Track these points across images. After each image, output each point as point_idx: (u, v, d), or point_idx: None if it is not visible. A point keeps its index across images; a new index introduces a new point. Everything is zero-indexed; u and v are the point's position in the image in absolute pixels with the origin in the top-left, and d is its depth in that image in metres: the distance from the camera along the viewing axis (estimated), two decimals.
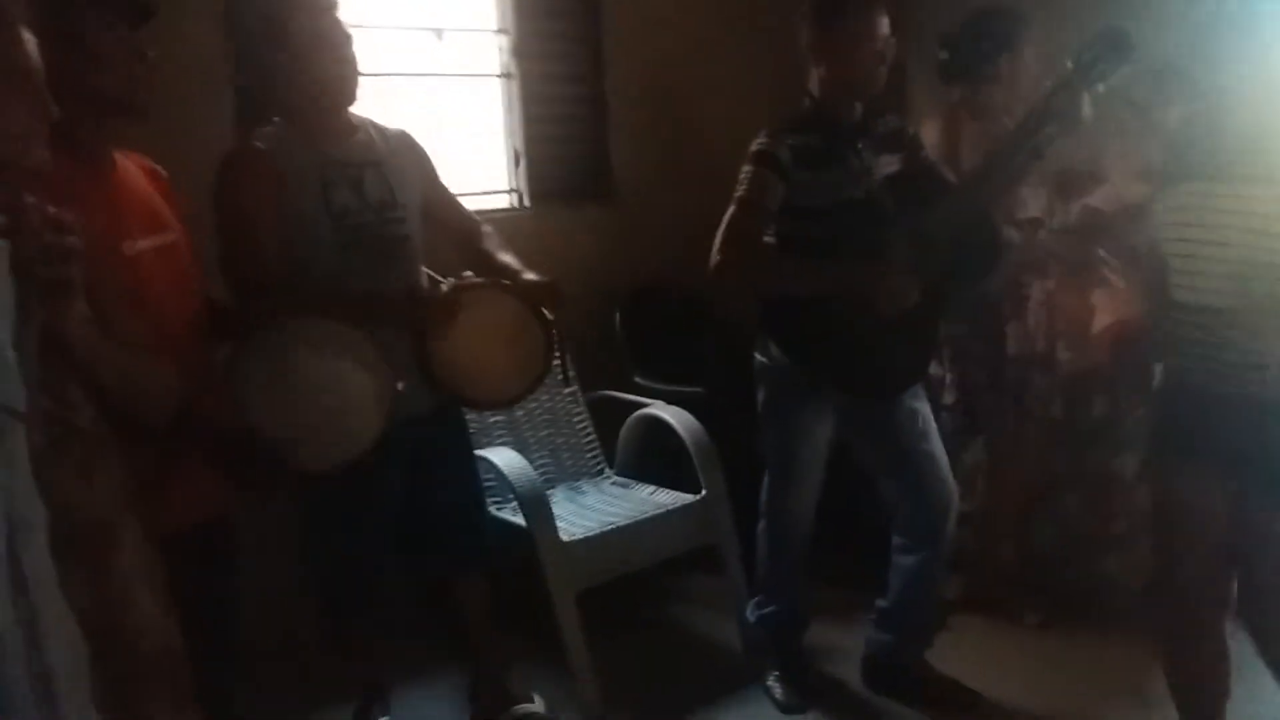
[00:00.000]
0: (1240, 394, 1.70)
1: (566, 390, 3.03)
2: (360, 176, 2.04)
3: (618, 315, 3.35)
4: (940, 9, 2.78)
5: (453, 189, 2.31)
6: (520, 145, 3.39)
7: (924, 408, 2.37)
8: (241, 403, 1.69)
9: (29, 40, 1.12)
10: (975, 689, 2.46)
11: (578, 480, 3.01)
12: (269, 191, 1.94)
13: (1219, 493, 1.77)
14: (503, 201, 3.41)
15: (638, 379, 3.22)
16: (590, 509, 2.79)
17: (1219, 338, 1.72)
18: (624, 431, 3.04)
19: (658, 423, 2.88)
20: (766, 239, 2.25)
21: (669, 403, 2.91)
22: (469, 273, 2.12)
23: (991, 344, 2.75)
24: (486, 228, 2.30)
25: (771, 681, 2.55)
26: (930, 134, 2.63)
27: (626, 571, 2.59)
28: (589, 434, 3.07)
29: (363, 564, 2.14)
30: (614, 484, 2.99)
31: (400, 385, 1.84)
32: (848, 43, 2.18)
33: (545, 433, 3.01)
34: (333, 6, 1.99)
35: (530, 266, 2.17)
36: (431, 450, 2.16)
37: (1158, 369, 1.92)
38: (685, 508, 2.72)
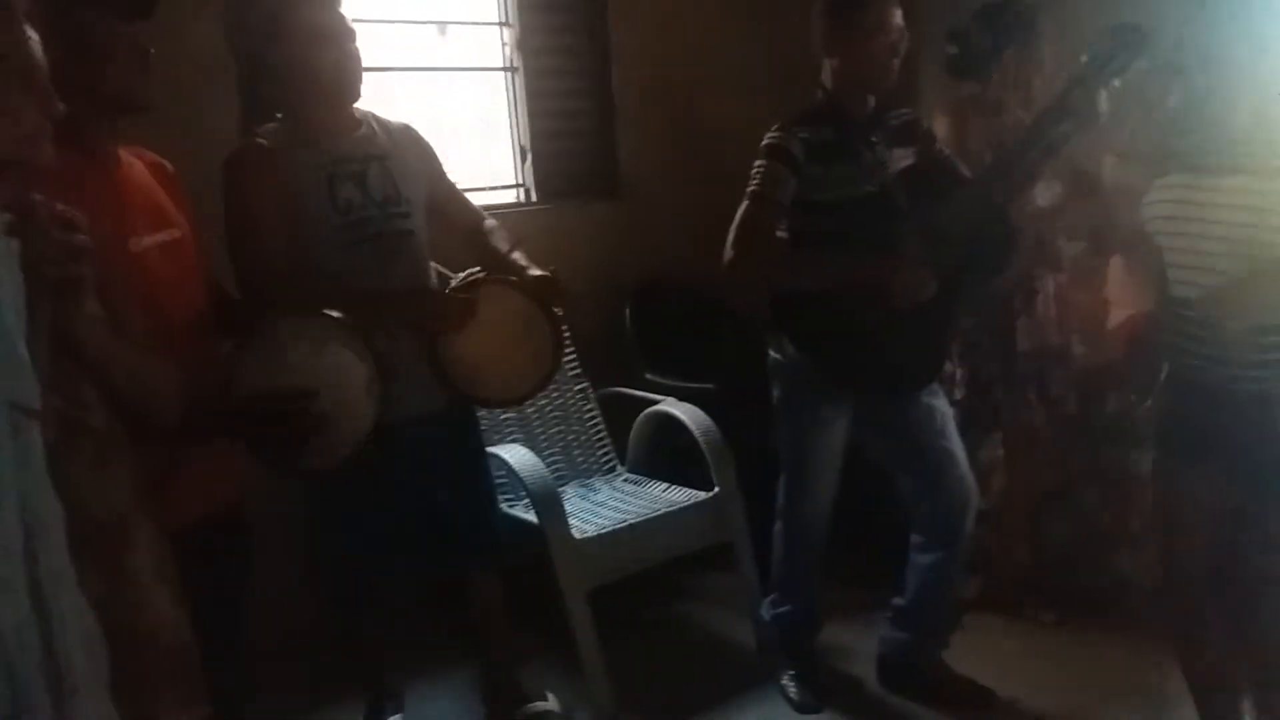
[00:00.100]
0: (1238, 390, 1.68)
1: (577, 387, 3.02)
2: (364, 172, 2.02)
3: (628, 311, 3.33)
4: (952, 1, 2.75)
5: (459, 185, 2.31)
6: (526, 140, 3.38)
7: (942, 404, 2.35)
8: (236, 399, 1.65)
9: (33, 37, 1.10)
10: (990, 687, 2.45)
11: (590, 477, 3.00)
12: (273, 189, 1.93)
13: (1221, 492, 1.75)
14: (510, 197, 3.40)
15: (648, 375, 3.20)
16: (602, 506, 2.77)
17: (1212, 332, 1.69)
18: (635, 428, 3.02)
19: (669, 419, 2.86)
20: (779, 233, 2.23)
21: (680, 399, 2.89)
22: (477, 269, 2.11)
23: (1002, 338, 2.72)
24: (491, 222, 2.28)
25: (786, 680, 2.53)
26: (939, 129, 2.61)
27: (639, 569, 2.58)
28: (600, 431, 3.06)
29: (372, 562, 2.13)
30: (626, 481, 2.98)
31: (406, 383, 1.80)
32: (861, 35, 2.17)
33: (557, 429, 2.99)
34: (335, 2, 1.98)
35: (538, 263, 2.16)
36: (442, 448, 2.14)
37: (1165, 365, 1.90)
38: (698, 505, 2.70)
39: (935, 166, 2.33)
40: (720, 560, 2.77)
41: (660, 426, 2.95)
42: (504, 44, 3.34)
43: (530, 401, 2.63)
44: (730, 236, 2.17)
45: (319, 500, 2.10)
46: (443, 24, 3.23)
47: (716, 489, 2.69)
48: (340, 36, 1.97)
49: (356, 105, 2.07)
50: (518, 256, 2.17)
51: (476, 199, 2.41)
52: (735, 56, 3.65)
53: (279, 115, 2.03)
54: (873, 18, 2.16)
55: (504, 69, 3.35)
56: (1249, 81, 1.64)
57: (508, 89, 3.36)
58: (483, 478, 2.31)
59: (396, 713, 2.39)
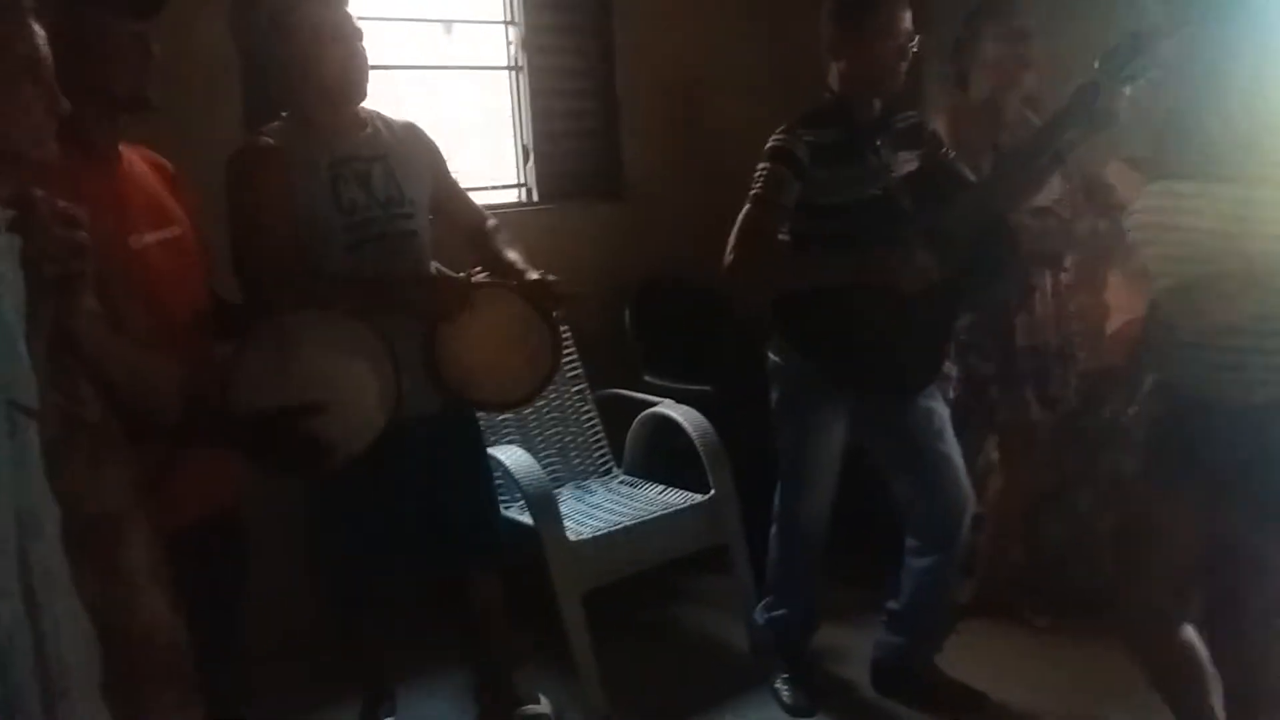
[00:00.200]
0: (1218, 400, 1.67)
1: (575, 388, 3.02)
2: (368, 172, 2.02)
3: (628, 313, 3.33)
4: (960, 6, 2.75)
5: (462, 184, 2.30)
6: (529, 140, 3.38)
7: (940, 407, 2.36)
8: (239, 400, 1.65)
9: (39, 34, 1.11)
10: (983, 691, 2.45)
11: (586, 479, 2.99)
12: (277, 188, 1.92)
13: (1201, 501, 1.74)
14: (512, 197, 3.40)
15: (647, 377, 3.20)
16: (598, 508, 2.78)
17: (1193, 340, 1.69)
18: (633, 430, 3.02)
19: (667, 421, 2.86)
20: (782, 236, 2.23)
21: (678, 401, 2.89)
22: (479, 269, 2.11)
23: (999, 337, 2.72)
24: (493, 222, 2.28)
25: (779, 683, 2.54)
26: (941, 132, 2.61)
27: (634, 571, 2.58)
28: (597, 432, 3.06)
29: (372, 562, 2.12)
30: (622, 483, 2.98)
31: (407, 384, 1.80)
32: (869, 38, 2.17)
33: (553, 431, 2.99)
34: (341, 0, 1.97)
35: (539, 263, 2.15)
36: (443, 448, 2.14)
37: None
38: (694, 507, 2.70)
39: (940, 170, 2.33)
40: (715, 563, 2.77)
41: (657, 429, 2.95)
42: (509, 43, 3.34)
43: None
44: (731, 239, 2.17)
45: (319, 500, 2.10)
46: (448, 22, 3.23)
47: (712, 492, 2.70)
48: (347, 36, 1.96)
49: (362, 104, 2.06)
50: (517, 258, 2.17)
51: (479, 199, 2.41)
52: (739, 57, 3.65)
53: (284, 114, 2.02)
54: (881, 21, 2.16)
55: (508, 68, 3.35)
56: (1218, 91, 1.64)
57: (512, 88, 3.37)
58: (483, 478, 2.30)
59: (390, 714, 2.39)
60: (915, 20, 2.20)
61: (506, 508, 2.62)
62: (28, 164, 1.09)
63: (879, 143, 2.24)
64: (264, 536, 1.92)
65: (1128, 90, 2.04)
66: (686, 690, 2.61)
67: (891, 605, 2.47)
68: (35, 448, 1.02)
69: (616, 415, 3.07)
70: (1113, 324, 2.76)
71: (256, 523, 1.87)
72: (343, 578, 2.21)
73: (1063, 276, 2.74)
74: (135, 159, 1.65)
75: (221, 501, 1.69)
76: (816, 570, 2.51)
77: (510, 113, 3.38)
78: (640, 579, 2.62)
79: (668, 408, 2.87)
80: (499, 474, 2.53)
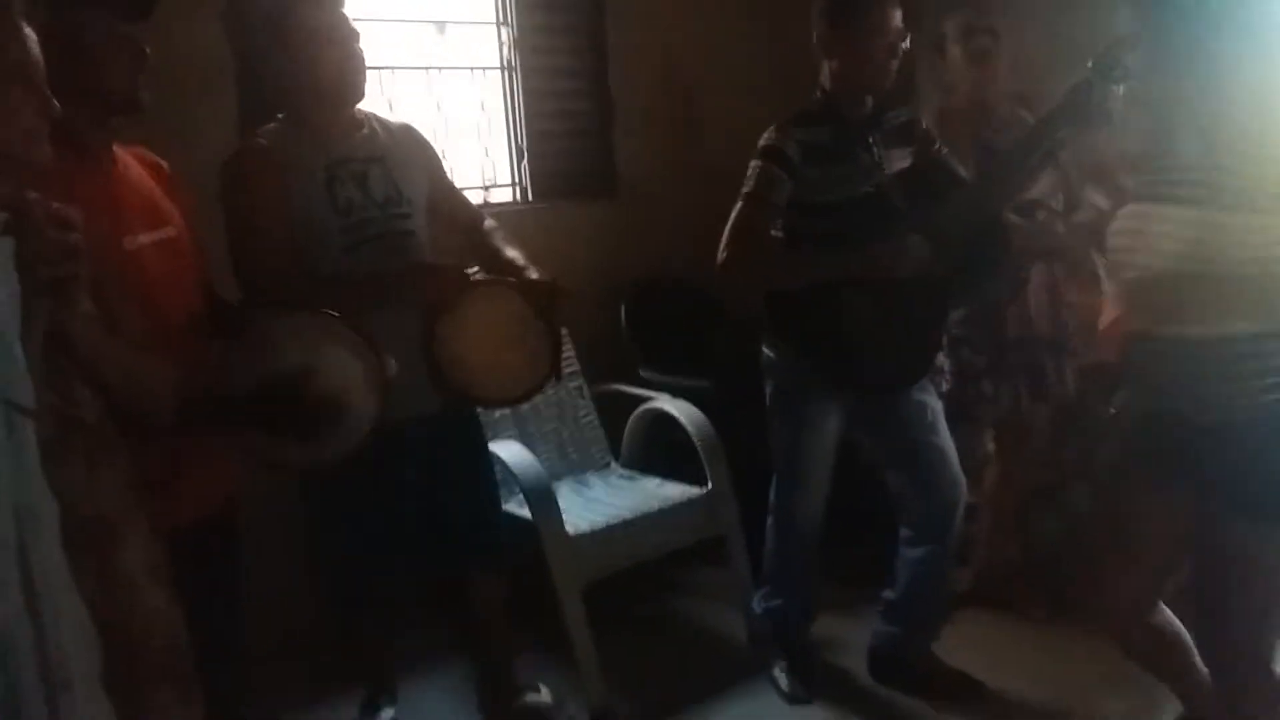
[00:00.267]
0: (1193, 417, 1.67)
1: (573, 384, 3.03)
2: (365, 172, 2.03)
3: (623, 309, 3.35)
4: (952, 4, 2.76)
5: (456, 184, 2.31)
6: (523, 140, 3.39)
7: (933, 401, 2.37)
8: (230, 398, 1.66)
9: (30, 36, 1.12)
10: (980, 679, 2.47)
11: (584, 473, 3.01)
12: (273, 191, 1.93)
13: (1178, 500, 1.75)
14: (506, 196, 3.41)
15: (643, 372, 3.22)
16: (596, 502, 2.79)
17: (1166, 357, 1.70)
18: (630, 425, 3.04)
19: (664, 416, 2.88)
20: (774, 234, 2.24)
21: (675, 396, 2.91)
22: (476, 268, 2.12)
23: (991, 330, 2.73)
24: (490, 222, 2.29)
25: (777, 673, 2.55)
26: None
27: (632, 564, 2.60)
28: (595, 427, 3.07)
29: (372, 562, 2.13)
30: (620, 477, 2.99)
31: (393, 368, 1.75)
32: (861, 37, 2.18)
33: (551, 426, 3.01)
34: (338, 2, 1.98)
35: (535, 262, 2.16)
36: (443, 448, 2.15)
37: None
38: (691, 501, 2.72)
39: (933, 167, 2.34)
40: (713, 555, 2.79)
41: (655, 423, 2.97)
42: (502, 43, 3.36)
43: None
44: (724, 237, 2.18)
45: (319, 500, 2.10)
46: (441, 23, 3.24)
47: (709, 485, 2.72)
48: (344, 37, 1.97)
49: (358, 106, 2.07)
50: (515, 256, 2.18)
51: (473, 198, 2.42)
52: (734, 56, 3.66)
53: (279, 116, 2.03)
54: (872, 19, 2.17)
55: (502, 68, 3.37)
56: (1182, 116, 1.64)
57: (505, 88, 3.38)
58: (484, 477, 2.31)
59: (390, 707, 2.41)
60: (905, 18, 2.20)
61: (505, 502, 2.64)
62: (21, 166, 1.10)
63: (871, 140, 2.25)
64: (264, 536, 1.94)
65: (1120, 89, 2.05)
66: (685, 680, 2.63)
67: (888, 595, 2.49)
68: (33, 446, 1.03)
69: (613, 410, 3.08)
70: (1106, 318, 2.77)
71: (256, 523, 1.87)
72: (343, 578, 2.22)
73: (1055, 269, 2.75)
74: (130, 160, 1.65)
75: (219, 502, 1.70)
76: (812, 563, 2.53)
77: (504, 112, 3.39)
78: (639, 571, 2.63)
79: (665, 402, 2.89)
80: (497, 469, 2.54)
